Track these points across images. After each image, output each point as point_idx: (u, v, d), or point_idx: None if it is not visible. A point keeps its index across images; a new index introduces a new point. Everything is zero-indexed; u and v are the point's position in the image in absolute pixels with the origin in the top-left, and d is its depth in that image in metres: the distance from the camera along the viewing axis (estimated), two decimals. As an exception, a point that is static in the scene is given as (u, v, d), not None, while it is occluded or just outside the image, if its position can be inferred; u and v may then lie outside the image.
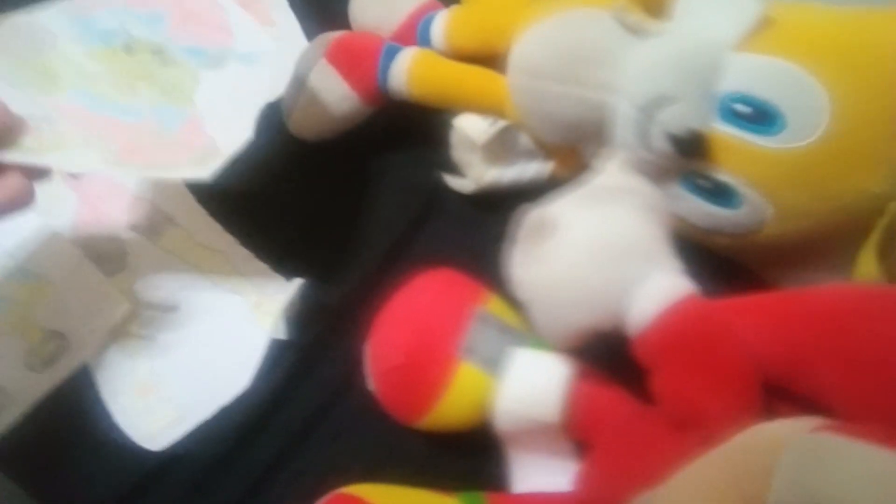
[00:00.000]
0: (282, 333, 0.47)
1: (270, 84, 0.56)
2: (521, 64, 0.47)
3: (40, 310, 0.47)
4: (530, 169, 0.52)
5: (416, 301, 0.42)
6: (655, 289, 0.34)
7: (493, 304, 0.42)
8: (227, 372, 0.47)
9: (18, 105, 0.39)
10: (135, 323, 0.48)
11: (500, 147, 0.52)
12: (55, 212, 0.51)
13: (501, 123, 0.50)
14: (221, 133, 0.44)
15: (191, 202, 0.53)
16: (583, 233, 0.35)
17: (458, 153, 0.54)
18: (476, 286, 0.43)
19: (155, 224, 0.52)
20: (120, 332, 0.47)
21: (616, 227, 0.36)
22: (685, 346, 0.33)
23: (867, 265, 0.42)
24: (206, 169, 0.41)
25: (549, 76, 0.46)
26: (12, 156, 0.38)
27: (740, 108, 0.42)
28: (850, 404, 0.30)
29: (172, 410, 0.46)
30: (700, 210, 0.45)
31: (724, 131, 0.42)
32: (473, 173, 0.53)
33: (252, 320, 0.48)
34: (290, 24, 0.64)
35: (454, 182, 0.54)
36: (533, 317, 0.37)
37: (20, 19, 0.43)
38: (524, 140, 0.52)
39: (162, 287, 0.49)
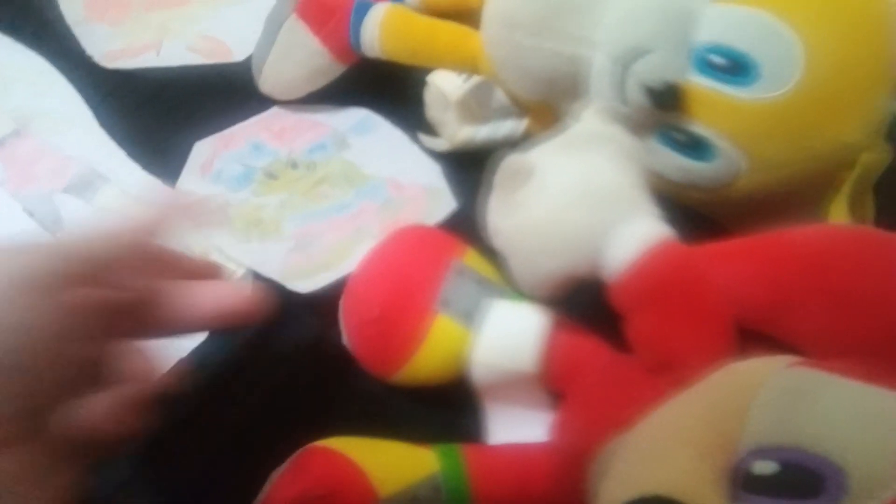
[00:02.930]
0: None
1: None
2: (497, 15, 0.46)
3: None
4: (505, 126, 0.51)
5: (392, 255, 0.41)
6: (633, 233, 0.34)
7: (469, 258, 0.41)
8: None
9: (273, 254, 0.45)
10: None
11: (475, 104, 0.50)
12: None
13: (476, 79, 0.49)
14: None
15: (122, 157, 0.51)
16: (559, 178, 0.35)
17: (433, 112, 0.53)
18: (452, 240, 0.42)
19: (88, 182, 0.50)
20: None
21: (593, 172, 0.35)
22: (662, 289, 0.32)
23: (838, 216, 0.41)
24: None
25: (525, 28, 0.45)
26: (306, 286, 0.44)
27: (715, 59, 0.41)
28: (830, 345, 0.30)
29: None
30: (675, 164, 0.44)
31: (699, 83, 0.41)
32: (448, 132, 0.51)
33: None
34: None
35: (428, 141, 0.52)
36: (510, 265, 0.36)
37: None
38: (499, 96, 0.50)
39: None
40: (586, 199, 0.34)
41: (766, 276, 0.31)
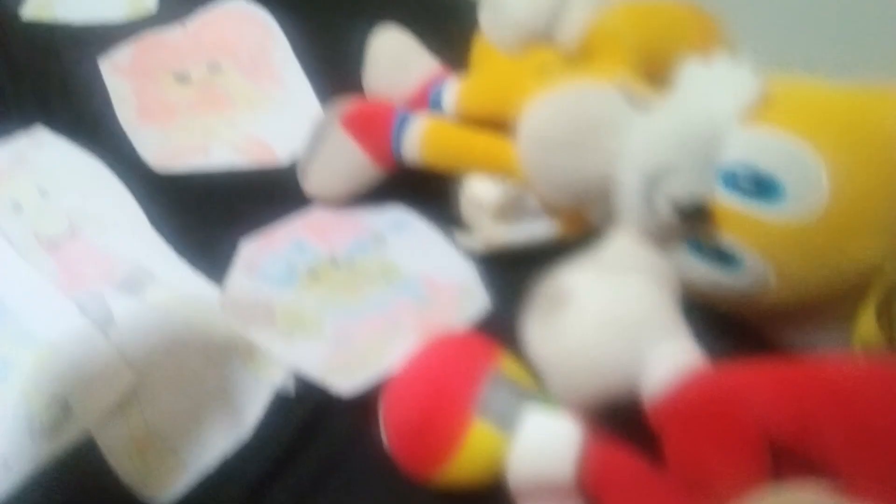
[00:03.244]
0: (290, 391, 0.47)
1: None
2: (530, 134, 0.49)
3: (45, 375, 0.46)
4: (539, 228, 0.53)
5: (431, 361, 0.42)
6: (666, 359, 0.35)
7: (505, 364, 0.42)
8: (224, 419, 0.46)
9: (314, 353, 0.47)
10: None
11: (510, 208, 0.53)
12: (34, 276, 0.51)
13: (510, 186, 0.51)
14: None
15: (172, 257, 0.53)
16: (595, 305, 0.36)
17: (467, 210, 0.55)
18: (489, 345, 0.43)
19: (138, 282, 0.51)
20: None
21: (627, 299, 0.37)
22: (696, 413, 0.34)
23: (866, 326, 0.43)
24: None
25: (557, 145, 0.48)
26: (351, 384, 0.45)
27: (742, 179, 0.43)
28: (855, 470, 0.31)
29: (173, 459, 0.45)
30: (704, 273, 0.45)
31: (726, 200, 0.43)
32: (483, 232, 0.54)
33: (244, 365, 0.48)
34: (300, 83, 0.66)
35: (464, 240, 0.54)
36: (549, 384, 0.38)
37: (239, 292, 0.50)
38: (532, 201, 0.53)
39: (150, 341, 0.49)
40: (620, 326, 0.36)
41: (794, 404, 0.32)
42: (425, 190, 0.56)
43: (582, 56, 0.50)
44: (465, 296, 0.51)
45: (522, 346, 0.47)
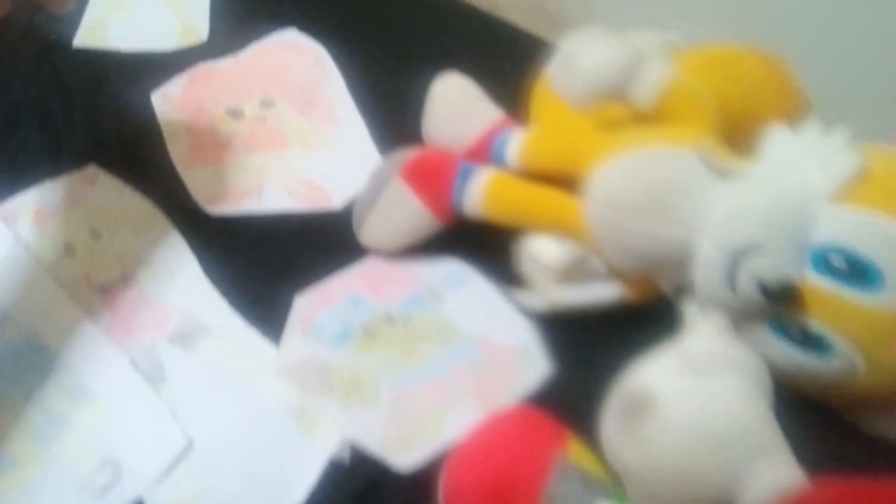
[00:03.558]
0: (344, 460, 0.45)
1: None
2: (602, 197, 0.46)
3: (98, 435, 0.45)
4: (604, 291, 0.50)
5: (496, 442, 0.40)
6: (765, 478, 0.32)
7: (574, 451, 0.40)
8: (277, 486, 0.44)
9: (372, 422, 0.45)
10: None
11: (574, 269, 0.50)
12: (87, 325, 0.50)
13: (575, 247, 0.49)
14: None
15: (225, 308, 0.52)
16: (683, 416, 0.33)
17: (528, 269, 0.52)
18: (557, 429, 0.41)
19: (190, 334, 0.50)
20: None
21: (719, 411, 0.34)
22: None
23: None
24: None
25: (631, 211, 0.45)
26: (410, 459, 0.44)
27: (836, 261, 0.40)
28: None
29: None
30: (786, 355, 0.43)
31: (817, 283, 0.41)
32: (544, 293, 0.51)
33: (297, 429, 0.46)
34: (354, 123, 0.64)
35: (524, 299, 0.52)
36: (630, 493, 0.35)
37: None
38: (598, 263, 0.50)
39: (202, 401, 0.47)
40: (713, 443, 0.33)
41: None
42: (483, 243, 0.54)
43: (657, 115, 0.47)
44: (524, 360, 0.49)
45: (586, 421, 0.45)
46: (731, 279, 0.41)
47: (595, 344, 0.51)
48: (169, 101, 0.65)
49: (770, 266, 0.40)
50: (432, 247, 0.55)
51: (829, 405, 0.45)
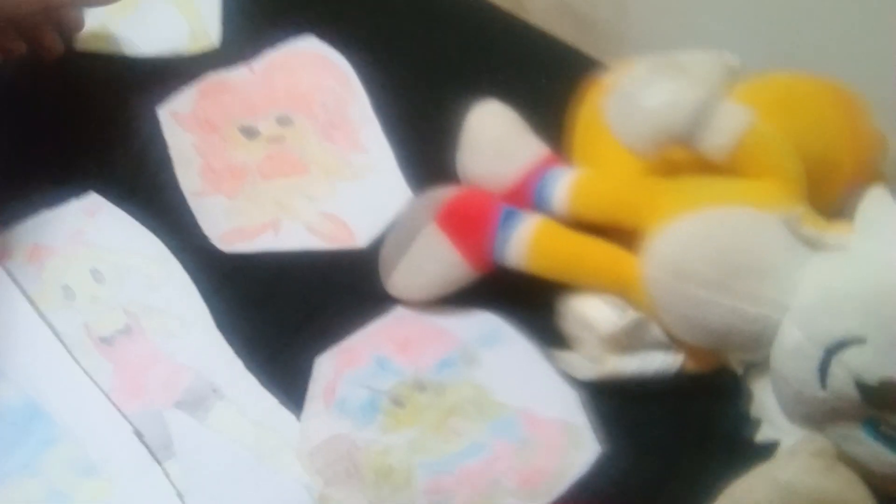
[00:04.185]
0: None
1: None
2: (666, 262, 0.40)
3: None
4: (660, 361, 0.45)
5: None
6: None
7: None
8: None
9: None
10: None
11: (628, 336, 0.44)
12: (88, 386, 0.45)
13: (633, 316, 0.43)
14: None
15: (240, 369, 0.46)
16: None
17: (574, 330, 0.47)
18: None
19: (201, 398, 0.45)
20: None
21: None
22: None
23: None
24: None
25: (700, 282, 0.39)
26: None
27: (944, 356, 0.34)
28: None
29: None
30: (882, 458, 0.37)
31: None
32: (592, 358, 0.45)
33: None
34: (381, 149, 0.58)
35: (569, 364, 0.46)
36: None
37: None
38: (655, 329, 0.44)
39: (214, 481, 0.42)
40: None
41: None
42: (523, 297, 0.48)
43: (728, 167, 0.41)
44: (571, 438, 0.44)
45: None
46: (822, 373, 0.36)
47: (649, 419, 0.45)
48: (177, 117, 0.58)
49: (870, 362, 0.35)
50: (466, 298, 0.49)
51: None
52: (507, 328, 0.49)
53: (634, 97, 0.42)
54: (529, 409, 0.45)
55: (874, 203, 0.38)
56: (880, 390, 0.34)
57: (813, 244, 0.38)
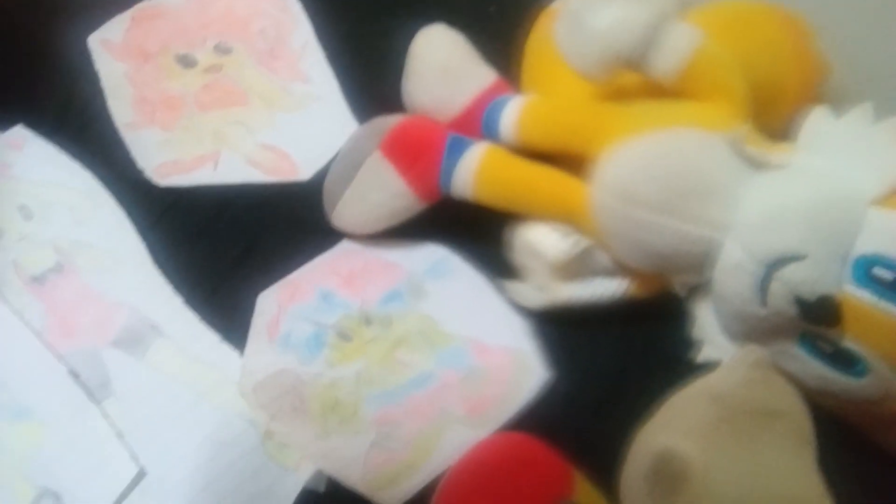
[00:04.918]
0: (321, 484, 0.39)
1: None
2: (614, 186, 0.39)
3: (34, 459, 0.39)
4: (607, 287, 0.44)
5: (494, 478, 0.35)
6: None
7: (582, 493, 0.35)
8: None
9: (353, 452, 0.39)
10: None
11: (576, 263, 0.44)
12: (18, 327, 0.42)
13: (582, 244, 0.42)
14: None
15: (179, 306, 0.44)
16: (724, 488, 0.28)
17: (523, 260, 0.46)
18: (562, 468, 0.35)
19: (139, 336, 0.43)
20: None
21: (764, 483, 0.29)
22: None
23: None
24: None
25: (647, 205, 0.38)
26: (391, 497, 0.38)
27: (881, 272, 0.34)
28: None
29: None
30: (816, 373, 0.37)
31: (857, 296, 0.35)
32: (541, 287, 0.45)
33: (265, 453, 0.40)
34: (325, 79, 0.55)
35: (517, 293, 0.46)
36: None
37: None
38: (602, 256, 0.44)
39: (155, 420, 0.41)
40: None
41: None
42: (472, 228, 0.47)
43: (678, 89, 0.40)
44: (519, 365, 0.43)
45: (587, 434, 0.40)
46: (762, 290, 0.36)
47: (594, 344, 0.45)
48: (109, 46, 0.55)
49: (809, 278, 0.35)
50: (413, 230, 0.47)
51: (851, 423, 0.40)
52: (455, 259, 0.48)
53: (583, 19, 0.40)
54: (478, 339, 0.44)
55: (816, 122, 0.37)
56: (817, 306, 0.35)
57: (756, 163, 0.37)
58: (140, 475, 0.38)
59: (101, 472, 0.38)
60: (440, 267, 0.47)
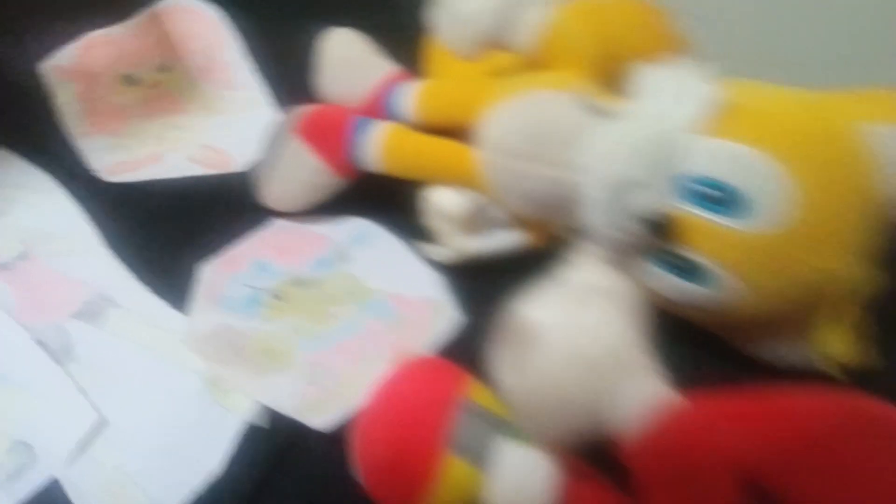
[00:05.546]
0: (262, 420, 0.45)
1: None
2: (489, 142, 0.46)
3: (6, 417, 0.44)
4: (507, 239, 0.51)
5: (401, 392, 0.40)
6: (635, 397, 0.34)
7: (476, 392, 0.40)
8: (193, 455, 0.43)
9: (287, 387, 0.44)
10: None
11: (475, 218, 0.50)
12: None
13: (476, 200, 0.49)
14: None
15: (132, 281, 0.50)
16: (560, 344, 0.34)
17: (432, 221, 0.52)
18: (459, 374, 0.41)
19: (97, 308, 0.49)
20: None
21: (594, 334, 0.35)
22: (666, 457, 0.32)
23: (834, 340, 0.42)
24: None
25: (518, 155, 0.45)
26: (326, 419, 0.43)
27: (706, 190, 0.41)
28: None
29: (143, 500, 0.42)
30: (671, 286, 0.44)
31: (691, 213, 0.41)
32: (452, 243, 0.51)
33: (211, 398, 0.45)
34: (252, 85, 0.62)
35: (431, 251, 0.52)
36: (519, 420, 0.36)
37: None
38: (498, 211, 0.50)
39: (113, 375, 0.46)
40: (585, 365, 0.34)
41: (771, 447, 0.31)
42: (389, 200, 0.54)
43: (540, 60, 0.47)
44: (435, 311, 0.49)
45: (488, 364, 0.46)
46: (613, 216, 0.42)
47: (501, 290, 0.51)
48: (60, 69, 0.61)
49: (647, 200, 0.41)
50: (338, 206, 0.54)
51: (719, 332, 0.47)
52: (376, 228, 0.54)
53: (452, 6, 0.47)
54: (398, 292, 0.50)
55: (646, 75, 0.44)
56: (657, 223, 0.41)
57: (601, 113, 0.44)
58: (101, 423, 0.44)
59: (65, 422, 0.44)
60: (363, 235, 0.54)
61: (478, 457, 0.38)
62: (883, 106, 0.42)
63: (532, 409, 0.35)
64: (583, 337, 0.35)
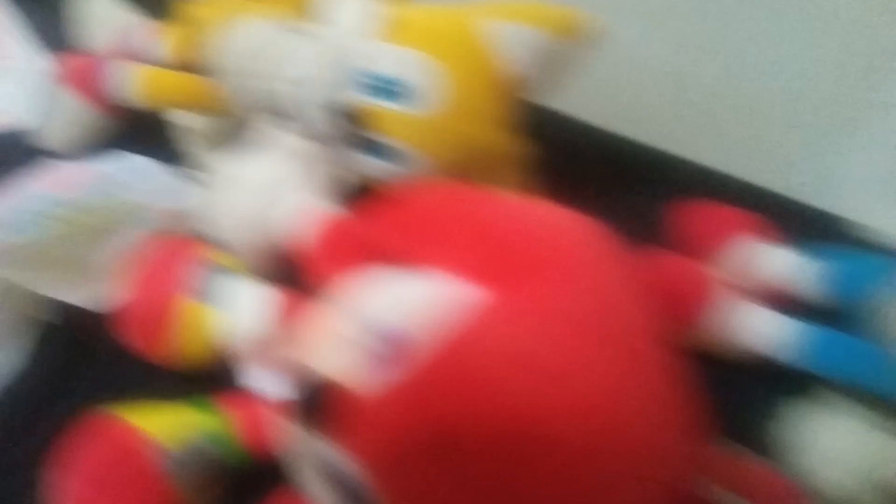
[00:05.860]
0: (57, 319, 0.53)
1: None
2: (217, 66, 0.57)
3: None
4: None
5: (150, 260, 0.50)
6: (289, 203, 0.49)
7: (211, 252, 0.51)
8: None
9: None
10: None
11: (220, 134, 0.60)
12: None
13: (218, 118, 0.59)
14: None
15: None
16: (238, 176, 0.49)
17: (185, 145, 0.62)
18: (198, 240, 0.51)
19: None
20: None
21: (261, 170, 0.51)
22: (327, 246, 0.46)
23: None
24: None
25: (237, 72, 0.56)
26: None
27: (377, 83, 0.53)
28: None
29: None
30: (367, 164, 0.56)
31: (375, 104, 0.53)
32: (203, 161, 0.61)
33: (7, 307, 0.53)
34: (29, 56, 0.70)
35: (193, 172, 0.61)
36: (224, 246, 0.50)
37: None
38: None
39: None
40: (252, 188, 0.49)
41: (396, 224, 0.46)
42: (162, 141, 0.63)
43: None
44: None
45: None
46: (318, 111, 0.53)
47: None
48: None
49: (340, 97, 0.53)
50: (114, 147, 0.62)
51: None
52: (146, 161, 0.62)
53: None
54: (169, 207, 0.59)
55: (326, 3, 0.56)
56: (354, 115, 0.53)
57: (300, 34, 0.55)
58: None
59: None
60: (138, 168, 0.61)
61: (208, 296, 0.48)
62: (510, 10, 0.55)
63: (222, 228, 0.50)
64: (254, 170, 0.50)
